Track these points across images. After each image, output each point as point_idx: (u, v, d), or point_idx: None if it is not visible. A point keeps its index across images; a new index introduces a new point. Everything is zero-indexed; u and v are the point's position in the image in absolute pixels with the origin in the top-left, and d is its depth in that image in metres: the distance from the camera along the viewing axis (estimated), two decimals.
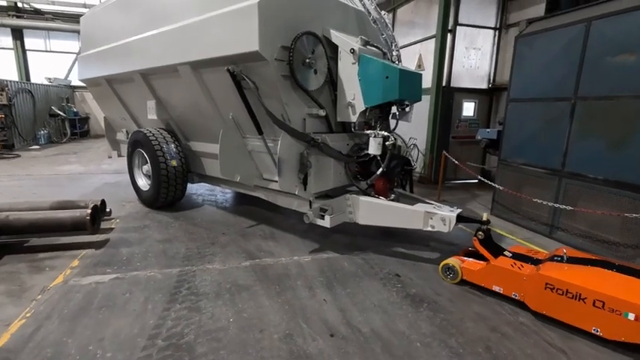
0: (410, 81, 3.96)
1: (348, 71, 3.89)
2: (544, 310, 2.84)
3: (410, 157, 4.73)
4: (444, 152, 6.70)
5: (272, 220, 5.23)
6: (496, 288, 3.15)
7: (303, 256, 4.04)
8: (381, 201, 3.97)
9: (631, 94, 3.87)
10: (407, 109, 4.37)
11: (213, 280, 3.41)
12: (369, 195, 4.10)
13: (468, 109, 8.34)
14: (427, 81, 8.32)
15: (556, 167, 4.71)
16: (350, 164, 4.20)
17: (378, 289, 3.36)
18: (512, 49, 5.45)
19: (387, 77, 3.66)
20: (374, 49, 4.05)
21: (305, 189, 3.96)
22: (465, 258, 3.52)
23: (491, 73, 8.32)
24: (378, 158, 4.03)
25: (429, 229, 3.64)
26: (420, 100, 4.35)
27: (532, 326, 2.84)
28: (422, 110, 8.25)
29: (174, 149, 5.26)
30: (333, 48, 3.96)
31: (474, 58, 8.20)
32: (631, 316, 2.39)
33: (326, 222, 3.84)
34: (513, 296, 3.05)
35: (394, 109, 4.36)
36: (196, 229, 4.78)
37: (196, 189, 7.09)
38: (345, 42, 3.85)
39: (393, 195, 4.26)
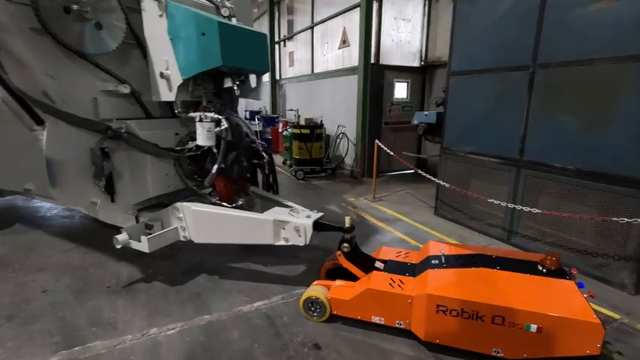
0: (245, 42, 2.82)
1: (154, 28, 2.68)
2: (437, 338, 2.21)
3: (260, 147, 3.41)
4: (377, 141, 5.54)
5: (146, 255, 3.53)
6: (376, 319, 2.39)
7: (167, 323, 2.47)
8: (217, 209, 2.88)
9: (610, 56, 2.93)
10: (252, 83, 3.25)
11: None
12: (211, 202, 3.06)
13: (401, 90, 7.33)
14: (354, 58, 7.14)
15: (513, 155, 3.74)
16: (181, 161, 3.09)
17: None
18: (450, 14, 4.38)
19: (203, 34, 2.51)
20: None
21: (113, 200, 2.82)
22: (330, 282, 2.63)
23: (422, 48, 7.36)
24: (215, 151, 2.94)
25: (282, 243, 2.71)
26: (267, 69, 3.14)
27: None
28: (350, 93, 7.07)
29: None
30: None
31: (404, 31, 7.15)
32: (533, 328, 1.98)
33: (143, 245, 2.74)
34: (397, 325, 2.34)
35: (228, 82, 2.96)
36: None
37: (46, 209, 5.01)
38: None
39: (241, 200, 3.24)
